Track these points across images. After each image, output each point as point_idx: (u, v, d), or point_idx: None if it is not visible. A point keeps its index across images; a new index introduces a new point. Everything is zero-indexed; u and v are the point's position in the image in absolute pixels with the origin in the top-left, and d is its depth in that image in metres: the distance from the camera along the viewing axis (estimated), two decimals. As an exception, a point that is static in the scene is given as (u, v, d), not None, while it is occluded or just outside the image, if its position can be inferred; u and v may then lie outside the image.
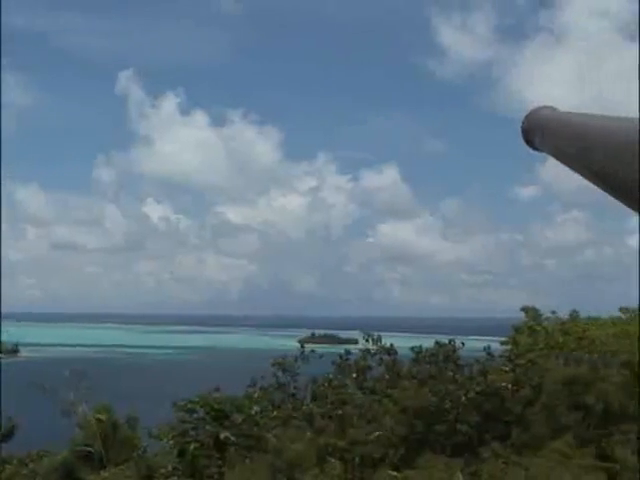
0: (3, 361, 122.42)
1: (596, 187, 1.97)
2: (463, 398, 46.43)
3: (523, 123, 2.78)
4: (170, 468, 42.96)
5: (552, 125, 2.49)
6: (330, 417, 46.28)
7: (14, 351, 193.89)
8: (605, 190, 1.91)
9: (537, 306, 60.71)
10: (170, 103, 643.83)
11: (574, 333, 55.56)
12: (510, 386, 47.46)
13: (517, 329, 59.09)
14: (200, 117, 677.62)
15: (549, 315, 60.02)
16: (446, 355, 51.56)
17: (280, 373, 51.71)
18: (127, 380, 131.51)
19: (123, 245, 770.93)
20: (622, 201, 1.81)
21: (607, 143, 1.87)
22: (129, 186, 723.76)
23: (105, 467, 45.35)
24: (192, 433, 44.43)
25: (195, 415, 45.14)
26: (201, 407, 45.31)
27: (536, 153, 2.78)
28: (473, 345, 62.44)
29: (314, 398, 50.67)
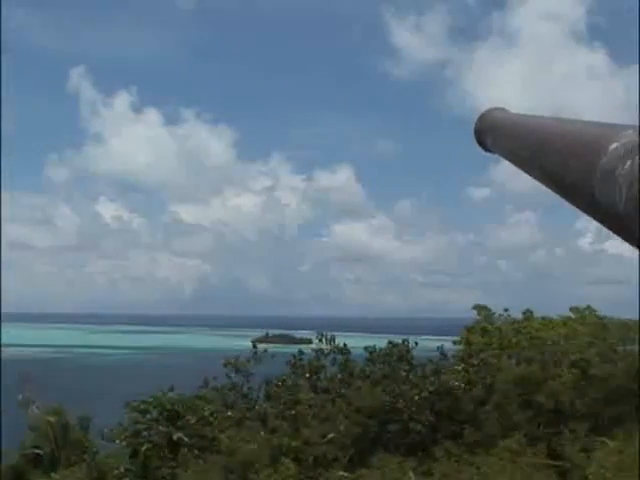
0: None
1: (547, 188, 1.99)
2: (416, 398, 46.65)
3: (476, 125, 2.80)
4: (122, 469, 42.61)
5: (504, 127, 2.51)
6: (284, 417, 46.22)
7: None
8: (556, 191, 1.92)
9: (490, 306, 61.27)
10: (123, 101, 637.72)
11: (527, 333, 56.15)
12: (463, 385, 47.81)
13: (470, 329, 59.52)
14: (153, 116, 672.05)
15: (502, 314, 60.57)
16: (399, 355, 51.78)
17: (233, 373, 51.50)
18: (78, 381, 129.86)
19: (75, 244, 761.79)
20: (572, 202, 1.83)
21: (557, 145, 1.89)
22: (81, 185, 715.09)
23: (56, 469, 44.82)
24: (145, 434, 44.13)
25: (148, 416, 44.85)
26: (154, 408, 45.03)
27: (489, 154, 2.80)
28: (426, 345, 62.73)
29: (268, 398, 50.57)
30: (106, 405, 59.17)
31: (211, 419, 46.06)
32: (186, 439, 43.80)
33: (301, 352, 53.88)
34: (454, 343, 60.12)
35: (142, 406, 45.04)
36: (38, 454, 46.25)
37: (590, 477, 33.37)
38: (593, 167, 1.63)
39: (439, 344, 55.26)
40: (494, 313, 60.49)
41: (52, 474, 43.93)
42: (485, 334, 57.70)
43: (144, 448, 42.85)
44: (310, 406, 47.68)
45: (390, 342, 53.41)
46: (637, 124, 1.65)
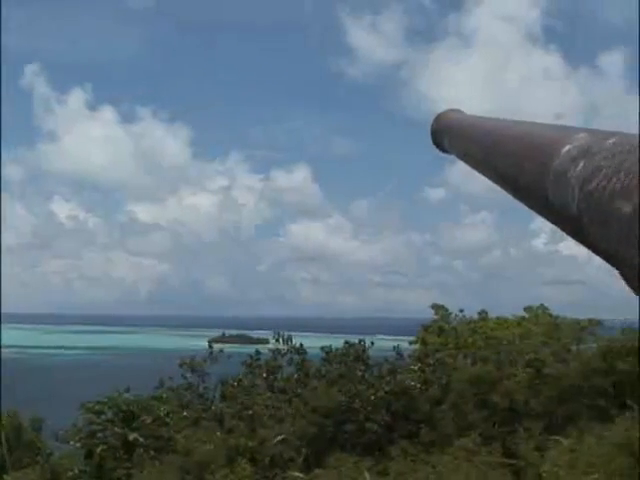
0: None
1: (502, 189, 2.01)
2: (373, 397, 46.77)
3: (432, 126, 2.83)
4: (77, 471, 42.22)
5: (459, 128, 2.53)
6: (240, 417, 46.08)
7: None
8: (510, 193, 1.94)
9: (446, 306, 61.71)
10: (77, 99, 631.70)
11: (482, 333, 56.63)
12: (419, 385, 48.03)
13: (427, 328, 59.87)
14: (108, 113, 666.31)
15: (457, 314, 61.04)
16: (356, 355, 51.88)
17: (189, 373, 51.23)
18: (32, 382, 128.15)
19: (29, 243, 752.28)
20: (526, 204, 1.84)
21: (512, 147, 1.91)
22: (35, 183, 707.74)
23: (8, 471, 44.24)
24: (100, 435, 43.77)
25: (103, 417, 44.47)
26: (109, 408, 44.68)
27: (445, 155, 2.83)
28: (383, 345, 62.99)
29: (224, 398, 50.38)
30: (61, 406, 58.50)
31: (167, 419, 45.80)
32: (142, 440, 43.50)
33: (258, 352, 53.78)
34: (410, 343, 60.42)
35: (97, 407, 44.65)
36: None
37: (544, 475, 33.71)
38: (546, 169, 1.64)
39: (395, 344, 55.42)
40: (451, 313, 60.96)
41: (4, 476, 43.36)
42: (441, 333, 58.09)
43: (99, 449, 42.50)
44: (267, 406, 47.60)
45: (346, 342, 53.49)
46: (590, 126, 1.67)
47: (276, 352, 53.48)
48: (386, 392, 47.22)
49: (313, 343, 59.52)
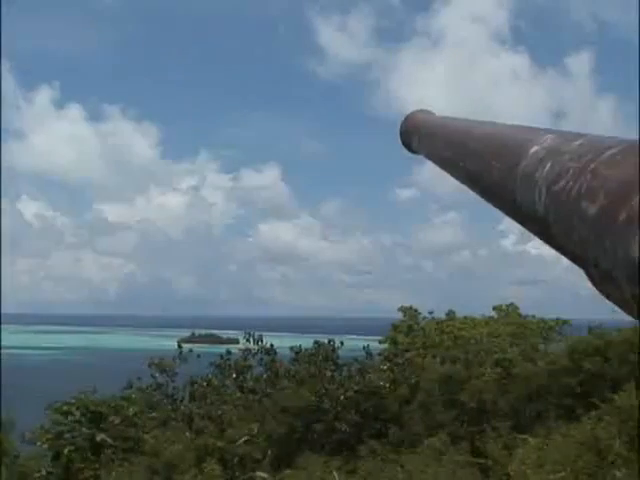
0: None
1: (470, 190, 2.02)
2: (342, 397, 46.82)
3: (401, 126, 2.84)
4: (44, 472, 41.83)
5: (428, 129, 2.54)
6: (210, 418, 45.93)
7: None
8: (478, 193, 1.95)
9: (415, 306, 62.03)
10: (44, 96, 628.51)
11: (450, 332, 56.97)
12: (388, 385, 48.15)
13: (396, 328, 60.14)
14: (76, 111, 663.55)
15: (426, 315, 61.37)
16: (325, 355, 51.90)
17: (158, 374, 50.97)
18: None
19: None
20: (494, 204, 1.86)
21: (480, 148, 1.92)
22: (2, 182, 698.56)
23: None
24: (67, 436, 43.41)
25: (71, 417, 44.10)
26: (77, 409, 44.32)
27: (414, 156, 2.84)
28: (352, 344, 63.06)
29: (193, 398, 50.19)
30: (27, 407, 57.92)
31: (135, 420, 45.51)
32: (110, 440, 43.19)
33: (229, 352, 53.62)
34: (380, 343, 60.61)
35: (64, 407, 44.25)
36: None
37: (511, 473, 33.87)
38: (514, 170, 1.65)
39: (365, 344, 55.51)
40: (420, 314, 61.26)
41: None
42: (410, 333, 58.36)
43: (66, 450, 42.15)
44: (236, 406, 47.51)
45: (316, 342, 53.48)
46: (557, 127, 1.68)
47: (246, 352, 53.33)
48: (355, 392, 47.28)
49: (283, 343, 59.39)
